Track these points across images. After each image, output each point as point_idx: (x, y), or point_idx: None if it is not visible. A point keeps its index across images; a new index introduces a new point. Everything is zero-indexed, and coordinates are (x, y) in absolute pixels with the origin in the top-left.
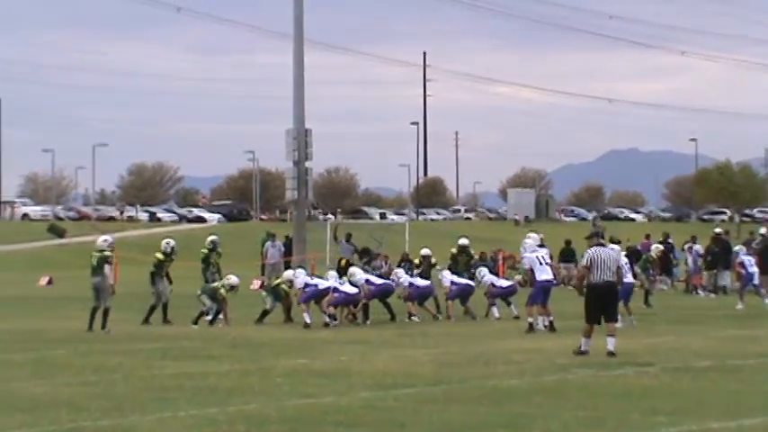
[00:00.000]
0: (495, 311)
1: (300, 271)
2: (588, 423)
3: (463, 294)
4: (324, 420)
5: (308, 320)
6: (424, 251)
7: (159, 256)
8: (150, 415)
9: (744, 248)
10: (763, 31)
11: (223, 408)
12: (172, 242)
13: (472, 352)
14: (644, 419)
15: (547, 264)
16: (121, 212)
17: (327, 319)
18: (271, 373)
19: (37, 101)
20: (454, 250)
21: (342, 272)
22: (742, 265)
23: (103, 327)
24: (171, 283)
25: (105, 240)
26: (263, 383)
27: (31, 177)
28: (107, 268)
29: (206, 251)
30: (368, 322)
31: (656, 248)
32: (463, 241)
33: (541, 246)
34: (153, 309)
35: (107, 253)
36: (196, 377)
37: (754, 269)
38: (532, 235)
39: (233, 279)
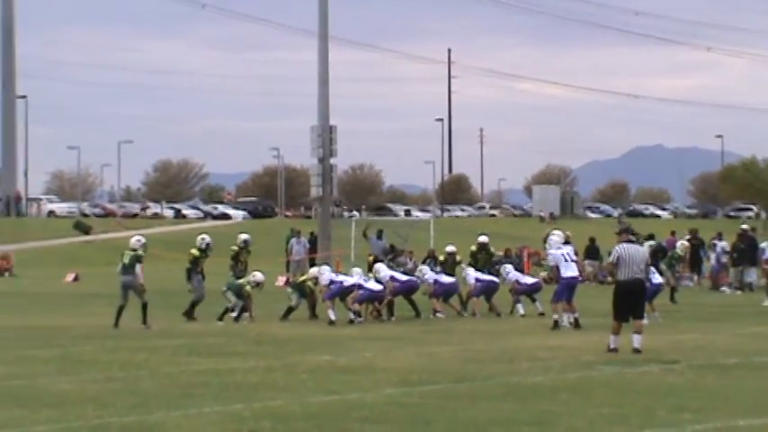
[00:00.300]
0: (521, 308)
1: (326, 268)
2: (613, 420)
3: (488, 291)
4: (348, 417)
5: (332, 317)
6: (449, 248)
7: (195, 252)
8: (176, 411)
9: None
10: None
11: (248, 404)
12: (207, 238)
13: (497, 349)
14: (669, 416)
15: (572, 260)
16: (143, 209)
17: (352, 316)
18: (296, 370)
19: (63, 98)
20: (474, 248)
21: (370, 268)
22: None
23: (144, 322)
24: (204, 279)
25: (138, 240)
26: (288, 380)
27: (57, 174)
28: (138, 267)
29: (236, 249)
30: (393, 319)
31: (683, 245)
32: (483, 238)
33: (566, 243)
34: (194, 304)
35: (140, 252)
36: (221, 374)
37: None
38: (557, 232)
39: (258, 276)
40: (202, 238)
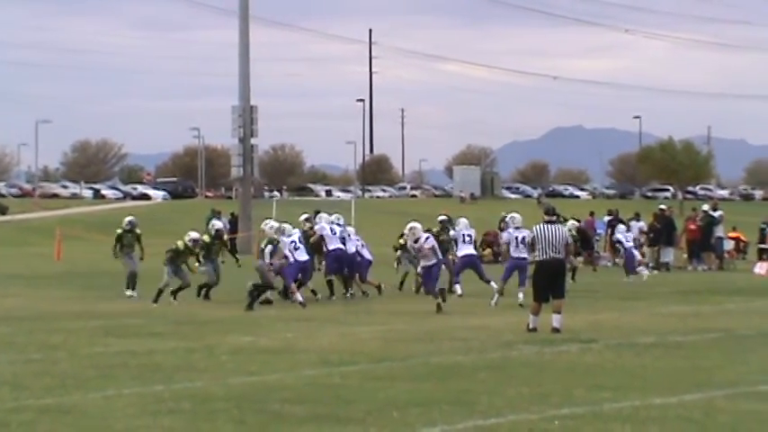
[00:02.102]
0: (458, 288)
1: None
2: (532, 399)
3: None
4: (269, 398)
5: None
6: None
7: (206, 239)
8: (95, 393)
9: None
10: (706, 9)
11: (168, 385)
12: (218, 224)
13: (418, 329)
14: (588, 395)
15: (522, 244)
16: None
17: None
18: (216, 351)
19: None
20: (436, 229)
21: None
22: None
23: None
24: (217, 265)
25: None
26: (209, 361)
27: None
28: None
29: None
30: (333, 298)
31: (572, 224)
32: (442, 218)
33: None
34: (209, 287)
35: (137, 231)
36: (140, 355)
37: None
38: (516, 215)
39: (192, 234)
40: (212, 225)
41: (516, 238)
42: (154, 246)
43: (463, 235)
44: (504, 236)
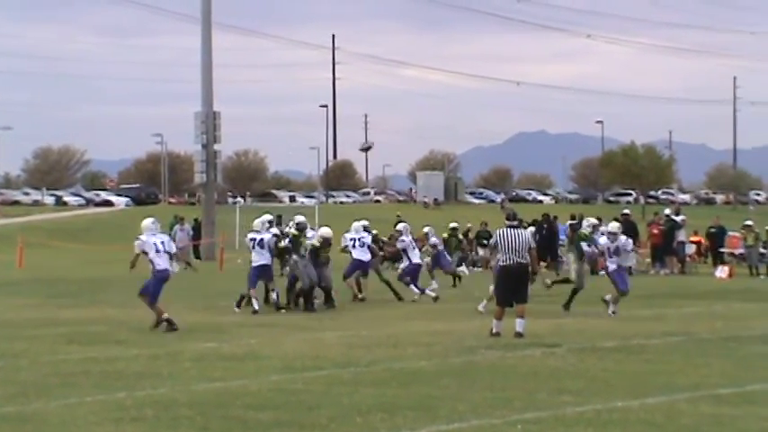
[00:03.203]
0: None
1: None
2: (496, 404)
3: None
4: (233, 404)
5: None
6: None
7: (293, 231)
8: (56, 401)
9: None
10: (666, 15)
11: (131, 392)
12: (300, 218)
13: (381, 334)
14: (551, 399)
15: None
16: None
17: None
18: (179, 358)
19: None
20: (445, 235)
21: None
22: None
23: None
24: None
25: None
26: (172, 368)
27: None
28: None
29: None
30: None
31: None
32: (453, 224)
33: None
34: (307, 293)
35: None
36: (103, 362)
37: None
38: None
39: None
40: (295, 218)
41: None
42: (117, 252)
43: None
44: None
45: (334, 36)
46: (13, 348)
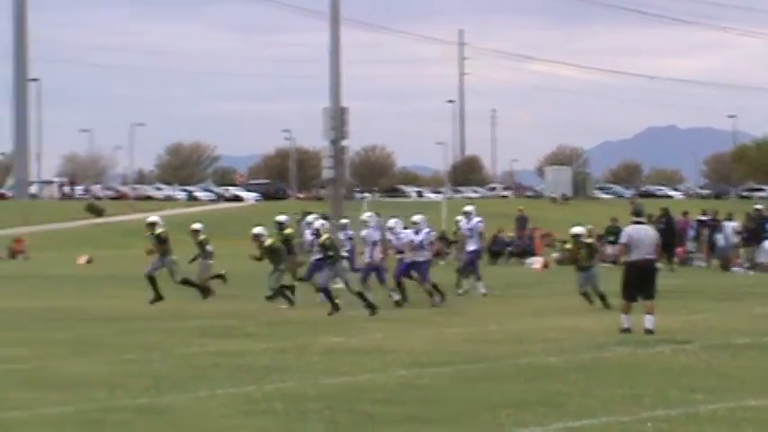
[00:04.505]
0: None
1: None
2: (625, 400)
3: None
4: (360, 398)
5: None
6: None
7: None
8: (188, 393)
9: None
10: None
11: (260, 386)
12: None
13: (508, 330)
14: (682, 397)
15: None
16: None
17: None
18: (307, 351)
19: (75, 81)
20: (569, 245)
21: None
22: None
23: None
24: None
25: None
26: (300, 361)
27: (69, 158)
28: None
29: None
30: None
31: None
32: (576, 229)
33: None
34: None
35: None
36: (233, 355)
37: None
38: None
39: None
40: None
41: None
42: (246, 246)
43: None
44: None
45: (461, 31)
46: (146, 341)
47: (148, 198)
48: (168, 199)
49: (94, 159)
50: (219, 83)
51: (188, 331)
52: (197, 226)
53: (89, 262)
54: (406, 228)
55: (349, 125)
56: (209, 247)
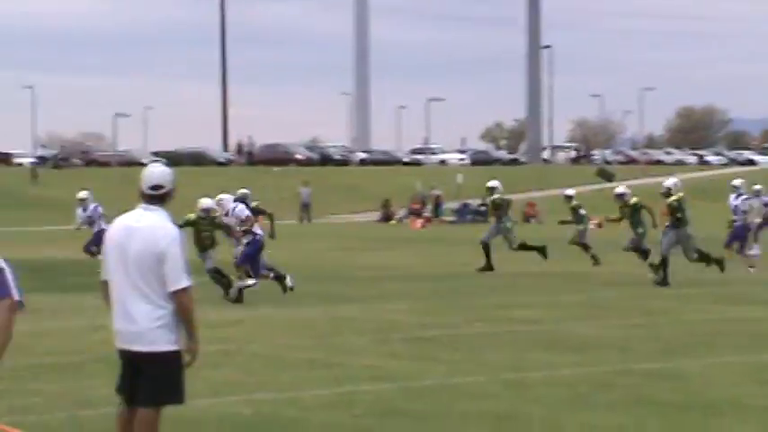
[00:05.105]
0: None
1: None
2: None
3: None
4: None
5: None
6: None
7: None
8: (697, 359)
9: None
10: None
11: None
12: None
13: None
14: None
15: None
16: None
17: None
18: None
19: (586, 47)
20: None
21: None
22: None
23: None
24: None
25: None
26: None
27: (579, 122)
28: None
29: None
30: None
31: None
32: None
33: None
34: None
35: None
36: (746, 322)
37: None
38: None
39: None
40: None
41: None
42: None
43: None
44: None
45: None
46: (654, 306)
47: (658, 162)
48: (678, 163)
49: (604, 124)
50: (732, 45)
51: (701, 297)
52: (570, 192)
53: (599, 226)
54: None
55: None
56: (581, 211)
